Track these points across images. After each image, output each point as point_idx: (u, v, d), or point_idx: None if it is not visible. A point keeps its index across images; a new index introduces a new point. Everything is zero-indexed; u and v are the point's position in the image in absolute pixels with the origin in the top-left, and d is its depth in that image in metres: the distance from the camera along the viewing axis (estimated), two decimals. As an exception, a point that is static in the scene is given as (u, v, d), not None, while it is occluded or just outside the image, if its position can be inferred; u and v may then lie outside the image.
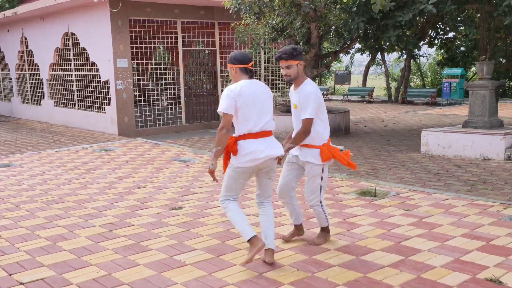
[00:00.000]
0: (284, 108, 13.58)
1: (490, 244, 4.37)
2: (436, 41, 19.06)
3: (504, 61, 14.12)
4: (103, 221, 5.31)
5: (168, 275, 3.84)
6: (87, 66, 14.42)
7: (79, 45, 14.40)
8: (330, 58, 14.23)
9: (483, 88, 9.73)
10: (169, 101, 14.96)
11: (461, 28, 13.86)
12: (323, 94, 26.80)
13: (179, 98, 14.77)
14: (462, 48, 24.54)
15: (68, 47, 15.26)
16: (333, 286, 3.60)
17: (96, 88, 14.17)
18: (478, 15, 13.05)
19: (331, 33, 13.61)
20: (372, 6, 7.31)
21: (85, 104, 14.96)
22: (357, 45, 22.18)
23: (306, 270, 3.89)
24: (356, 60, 36.37)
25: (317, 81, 29.15)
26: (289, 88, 17.39)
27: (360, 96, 26.35)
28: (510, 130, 9.43)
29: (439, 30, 14.55)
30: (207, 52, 15.79)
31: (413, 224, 5.00)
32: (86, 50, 14.13)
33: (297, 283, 3.65)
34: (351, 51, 26.95)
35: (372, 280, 3.68)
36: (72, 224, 5.21)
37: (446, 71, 22.87)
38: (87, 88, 14.72)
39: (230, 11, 12.83)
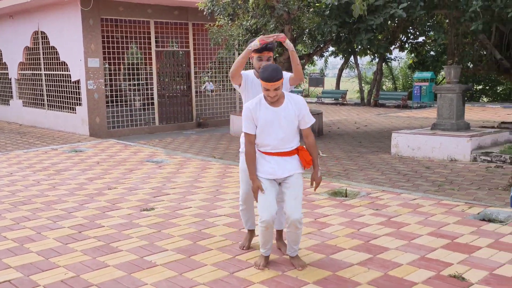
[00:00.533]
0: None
1: (454, 242, 4.50)
2: (406, 45, 19.44)
3: (471, 65, 14.48)
4: (72, 222, 5.25)
5: (138, 275, 3.82)
6: (57, 65, 14.21)
7: (49, 44, 14.17)
8: (304, 61, 14.36)
9: (451, 91, 9.99)
10: (142, 101, 14.85)
11: (431, 33, 14.16)
12: (296, 96, 27.00)
13: (152, 98, 14.68)
14: (432, 53, 25.09)
15: (37, 46, 15.00)
16: (302, 284, 3.64)
17: (66, 88, 13.97)
18: (447, 21, 13.37)
19: (304, 36, 13.74)
20: (353, 12, 7.60)
21: (55, 104, 14.73)
22: (331, 48, 22.43)
23: (276, 269, 3.93)
24: (330, 63, 36.78)
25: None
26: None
27: (333, 99, 26.65)
28: (476, 133, 9.70)
29: (409, 35, 14.87)
30: (181, 52, 15.74)
31: (382, 223, 5.10)
32: (56, 49, 13.92)
33: (267, 282, 3.69)
34: (325, 54, 27.23)
35: (341, 278, 3.75)
36: (40, 226, 5.13)
37: (417, 74, 23.35)
38: (57, 88, 14.50)
39: (204, 13, 12.84)
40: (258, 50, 3.98)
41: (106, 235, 4.82)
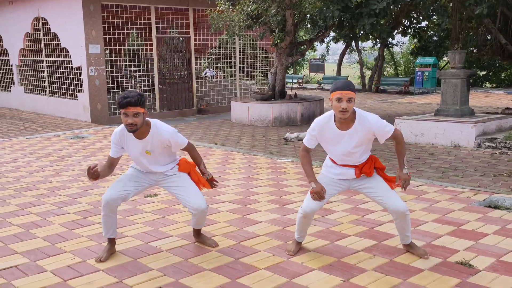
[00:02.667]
0: (258, 96, 13.57)
1: (460, 228, 4.49)
2: (409, 30, 19.28)
3: (475, 50, 14.37)
4: (77, 208, 5.24)
5: (144, 261, 3.82)
6: (59, 51, 14.11)
7: (50, 30, 14.06)
8: (305, 46, 14.26)
9: (455, 77, 9.91)
10: (143, 88, 14.78)
11: (434, 17, 14.03)
12: (297, 82, 26.90)
13: (153, 85, 14.60)
14: (434, 38, 24.90)
15: (38, 32, 14.89)
16: (308, 270, 3.64)
17: (68, 75, 13.89)
18: (451, 5, 13.23)
19: (306, 21, 13.62)
20: None
21: (57, 90, 14.66)
22: (332, 34, 22.27)
23: (281, 255, 3.93)
24: (331, 49, 36.48)
25: (291, 69, 29.20)
26: (265, 75, 17.45)
27: (334, 85, 26.50)
28: (480, 119, 9.64)
29: (412, 19, 14.72)
30: (181, 39, 15.63)
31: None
32: (57, 36, 13.81)
33: (273, 268, 3.69)
34: (326, 40, 27.04)
35: (346, 264, 3.74)
36: (45, 212, 5.13)
37: (419, 60, 23.19)
38: (58, 74, 14.42)
39: (205, -3, 12.70)
40: (120, 107, 3.58)
41: (111, 221, 4.81)
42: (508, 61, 13.96)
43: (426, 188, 5.96)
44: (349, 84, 3.47)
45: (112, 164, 3.85)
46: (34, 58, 15.58)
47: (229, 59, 16.93)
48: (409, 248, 3.92)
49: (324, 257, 3.88)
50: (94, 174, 3.62)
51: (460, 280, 3.43)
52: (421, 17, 14.60)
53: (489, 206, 5.22)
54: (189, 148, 3.97)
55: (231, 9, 13.14)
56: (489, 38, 13.36)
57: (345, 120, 3.53)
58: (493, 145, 8.79)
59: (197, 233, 4.21)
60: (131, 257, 3.90)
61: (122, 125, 3.72)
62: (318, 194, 3.65)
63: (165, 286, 3.41)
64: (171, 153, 3.92)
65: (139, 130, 3.64)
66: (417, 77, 22.38)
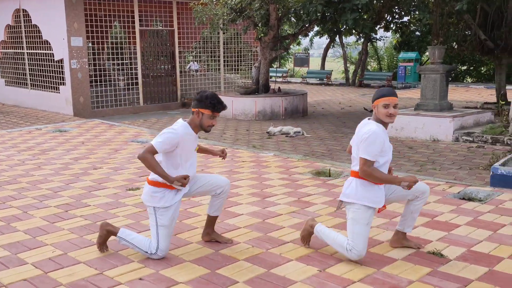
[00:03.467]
0: (242, 90, 13.63)
1: (434, 220, 4.62)
2: (392, 25, 19.45)
3: (456, 46, 14.58)
4: (59, 201, 5.27)
5: (125, 253, 3.88)
6: (40, 44, 13.99)
7: (31, 22, 13.93)
8: (289, 40, 14.33)
9: (434, 72, 10.09)
10: (126, 81, 14.73)
11: (416, 12, 14.19)
12: (282, 76, 27.00)
13: (137, 78, 14.57)
14: (417, 33, 25.14)
15: (19, 25, 14.73)
16: (286, 261, 3.74)
17: (49, 67, 13.78)
18: (432, 0, 13.40)
19: (289, 15, 13.69)
20: None
21: (39, 83, 14.54)
22: (316, 28, 22.37)
23: (260, 247, 4.01)
24: (315, 43, 36.63)
25: (276, 63, 29.26)
26: (249, 69, 17.48)
27: (318, 79, 26.68)
28: (458, 113, 9.84)
29: (394, 14, 14.87)
30: (165, 32, 15.59)
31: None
32: (38, 28, 13.69)
33: (251, 259, 3.77)
34: (310, 34, 27.15)
35: (323, 255, 3.85)
36: (27, 205, 5.14)
37: (402, 55, 23.45)
38: (40, 67, 14.30)
39: (189, -9, 12.69)
40: (217, 110, 3.68)
41: (93, 214, 4.85)
42: (487, 56, 14.20)
43: (404, 181, 6.08)
44: (394, 92, 3.64)
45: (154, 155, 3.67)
46: (15, 51, 15.41)
47: (213, 52, 16.94)
48: (405, 240, 3.95)
49: (302, 248, 3.98)
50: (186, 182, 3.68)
51: (431, 269, 3.55)
52: (403, 13, 14.76)
53: (463, 198, 5.37)
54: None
55: (214, 3, 13.16)
56: (469, 33, 13.56)
57: (387, 125, 3.66)
58: (470, 139, 8.99)
59: (213, 226, 4.13)
60: (112, 249, 3.95)
61: (181, 123, 3.70)
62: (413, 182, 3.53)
63: (145, 277, 3.48)
64: None
65: None
66: (400, 72, 22.64)
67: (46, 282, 3.41)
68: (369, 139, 3.50)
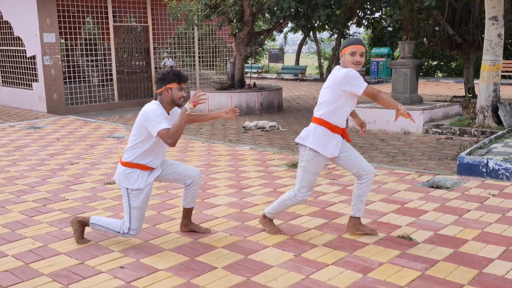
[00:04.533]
0: (218, 85, 13.71)
1: (404, 207, 4.83)
2: (364, 21, 19.81)
3: (426, 41, 14.95)
4: (36, 196, 5.29)
5: (105, 244, 3.96)
6: (12, 40, 13.79)
7: (2, 19, 13.72)
8: (263, 36, 14.46)
9: (405, 66, 10.36)
10: (100, 78, 14.64)
11: (387, 8, 14.50)
12: (257, 71, 27.13)
13: (111, 75, 14.49)
14: (389, 28, 25.57)
15: (-11, 20, 14.47)
16: (263, 247, 3.88)
17: (22, 64, 13.61)
18: (402, -3, 13.72)
19: (264, 11, 13.81)
20: None
21: (11, 80, 14.34)
22: (290, 24, 22.56)
23: (238, 235, 4.14)
24: (289, 39, 36.85)
25: (251, 59, 29.37)
26: (224, 65, 17.53)
27: (293, 75, 26.89)
28: (428, 106, 10.14)
29: (366, 11, 15.16)
30: (139, 28, 15.54)
31: (338, 192, 5.40)
32: (9, 24, 13.49)
33: (229, 246, 3.90)
34: (284, 30, 27.34)
35: (298, 241, 4.00)
36: (4, 200, 5.16)
37: (374, 50, 23.82)
38: (12, 64, 14.10)
39: (163, -13, 12.69)
40: (182, 81, 3.78)
41: (71, 207, 4.90)
42: (455, 51, 14.61)
43: (376, 171, 6.26)
44: (361, 41, 3.82)
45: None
46: (-14, 47, 15.14)
47: (188, 48, 16.95)
48: (362, 227, 4.08)
49: (278, 235, 4.12)
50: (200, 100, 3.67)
51: (400, 252, 3.74)
52: (374, 8, 15.06)
53: (432, 187, 5.60)
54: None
55: (189, -1, 13.18)
56: (438, 29, 13.93)
57: None
58: (440, 131, 9.28)
59: (189, 217, 4.22)
60: (92, 240, 4.03)
61: (156, 103, 3.77)
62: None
63: (126, 266, 3.57)
64: None
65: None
66: (372, 67, 22.99)
67: (27, 272, 3.47)
68: (349, 75, 3.67)
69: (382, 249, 3.79)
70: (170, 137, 3.58)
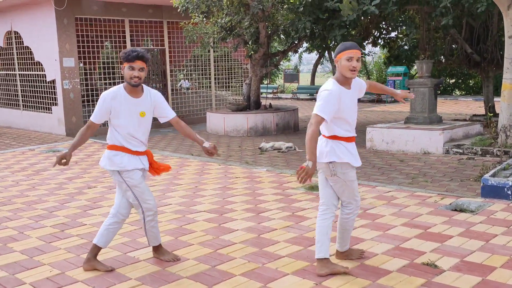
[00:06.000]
0: (234, 107, 13.72)
1: (427, 231, 4.69)
2: (379, 41, 19.76)
3: (443, 59, 14.83)
4: (54, 221, 5.28)
5: (122, 271, 3.90)
6: (32, 65, 14.04)
7: (23, 44, 14.00)
8: (279, 57, 14.50)
9: (423, 85, 10.25)
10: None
11: (403, 28, 14.46)
12: (272, 92, 27.17)
13: (129, 97, 14.59)
14: (406, 47, 25.48)
15: (11, 46, 14.79)
16: (282, 275, 3.78)
17: (42, 88, 13.82)
18: (418, 16, 13.66)
19: (279, 33, 13.87)
20: (342, 12, 7.87)
21: (31, 104, 14.56)
22: (305, 44, 22.64)
23: (256, 262, 4.05)
24: (304, 58, 37.03)
25: (266, 79, 29.48)
26: (240, 86, 17.62)
27: (308, 94, 26.88)
28: (448, 126, 9.98)
29: (382, 30, 15.12)
30: (156, 51, 15.71)
31: (358, 215, 5.27)
32: (30, 49, 13.76)
33: (248, 274, 3.81)
34: (299, 50, 27.44)
35: (319, 268, 3.89)
36: (22, 225, 5.15)
37: (390, 69, 23.72)
38: (32, 88, 14.33)
39: (178, 10, 12.85)
40: (130, 60, 3.68)
41: (89, 233, 4.87)
42: (474, 69, 14.45)
43: (396, 193, 6.17)
44: (357, 45, 3.59)
45: (92, 130, 3.95)
46: (7, 72, 15.45)
47: (204, 70, 17.07)
48: (349, 254, 4.01)
49: (297, 262, 4.03)
50: (64, 164, 3.79)
51: (426, 280, 3.61)
52: (390, 28, 15.02)
53: (455, 210, 5.46)
54: (177, 120, 4.05)
55: (205, 22, 13.31)
56: (455, 47, 13.81)
57: (349, 80, 3.64)
58: (461, 151, 9.11)
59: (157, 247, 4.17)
60: (109, 267, 3.97)
61: (113, 88, 3.82)
62: (307, 176, 3.39)
63: (143, 295, 3.50)
64: (149, 128, 3.99)
65: (138, 88, 3.79)
66: (389, 86, 22.86)
67: (44, 301, 3.43)
68: (319, 93, 3.56)
69: (407, 277, 3.67)
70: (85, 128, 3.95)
